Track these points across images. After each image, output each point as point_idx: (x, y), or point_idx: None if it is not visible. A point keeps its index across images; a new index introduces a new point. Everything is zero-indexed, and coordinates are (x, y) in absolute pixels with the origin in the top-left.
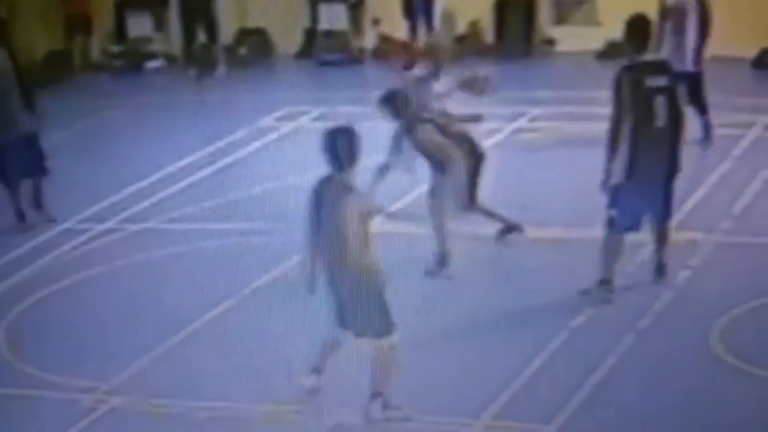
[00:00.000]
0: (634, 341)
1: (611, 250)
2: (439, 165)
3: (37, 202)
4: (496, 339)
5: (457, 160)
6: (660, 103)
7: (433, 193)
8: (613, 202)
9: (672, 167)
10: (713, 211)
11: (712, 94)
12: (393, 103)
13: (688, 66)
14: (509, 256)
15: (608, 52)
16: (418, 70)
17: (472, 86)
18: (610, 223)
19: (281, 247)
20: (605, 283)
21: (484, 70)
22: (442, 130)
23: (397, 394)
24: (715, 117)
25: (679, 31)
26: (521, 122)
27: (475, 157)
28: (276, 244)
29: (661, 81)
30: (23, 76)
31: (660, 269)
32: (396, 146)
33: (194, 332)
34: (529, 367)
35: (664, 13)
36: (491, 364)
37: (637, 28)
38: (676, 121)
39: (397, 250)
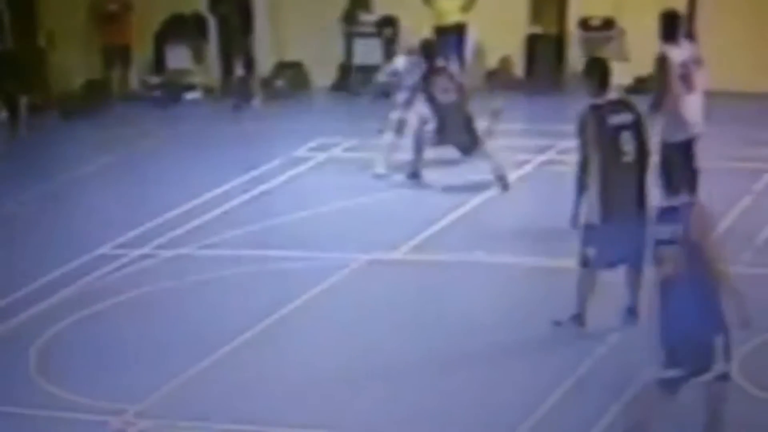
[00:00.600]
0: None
1: (585, 287)
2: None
3: None
4: (519, 366)
5: None
6: (626, 139)
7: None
8: (588, 241)
9: (645, 206)
10: (735, 243)
11: (733, 128)
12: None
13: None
14: (535, 284)
15: (636, 87)
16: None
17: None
18: (584, 262)
19: (311, 273)
20: (578, 317)
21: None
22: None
23: (418, 418)
24: (737, 151)
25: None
26: (550, 154)
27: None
28: (306, 271)
29: (625, 118)
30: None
31: (632, 312)
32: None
33: (224, 356)
34: (553, 395)
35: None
36: (514, 391)
37: (595, 70)
38: (643, 155)
39: (427, 277)
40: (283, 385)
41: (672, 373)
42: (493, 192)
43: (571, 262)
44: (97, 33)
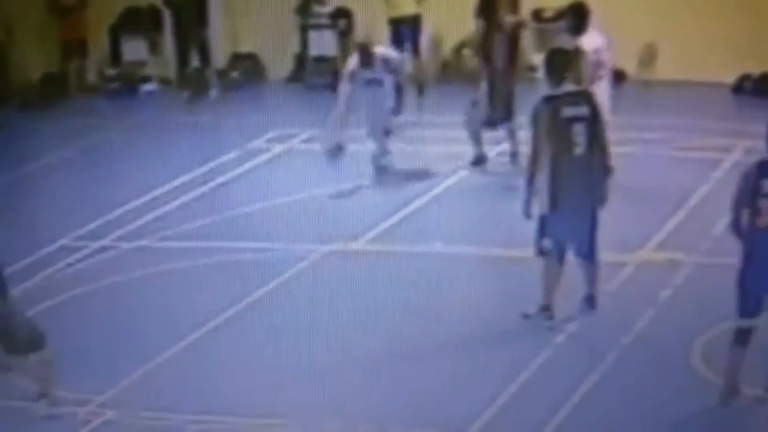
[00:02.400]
0: (617, 358)
1: (549, 278)
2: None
3: None
4: (481, 355)
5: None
6: (578, 131)
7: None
8: (542, 232)
9: (594, 197)
10: (694, 232)
11: (693, 119)
12: None
13: None
14: (495, 272)
15: None
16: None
17: None
18: (541, 252)
19: (271, 264)
20: (545, 309)
21: None
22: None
23: (383, 408)
24: (696, 140)
25: None
26: (505, 145)
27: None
28: (266, 262)
29: (579, 110)
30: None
31: (589, 301)
32: None
33: (186, 347)
34: (513, 384)
35: None
36: (477, 379)
37: (555, 61)
38: (595, 150)
39: (386, 268)
40: (245, 376)
41: (749, 323)
42: (451, 182)
43: (528, 252)
44: (54, 27)
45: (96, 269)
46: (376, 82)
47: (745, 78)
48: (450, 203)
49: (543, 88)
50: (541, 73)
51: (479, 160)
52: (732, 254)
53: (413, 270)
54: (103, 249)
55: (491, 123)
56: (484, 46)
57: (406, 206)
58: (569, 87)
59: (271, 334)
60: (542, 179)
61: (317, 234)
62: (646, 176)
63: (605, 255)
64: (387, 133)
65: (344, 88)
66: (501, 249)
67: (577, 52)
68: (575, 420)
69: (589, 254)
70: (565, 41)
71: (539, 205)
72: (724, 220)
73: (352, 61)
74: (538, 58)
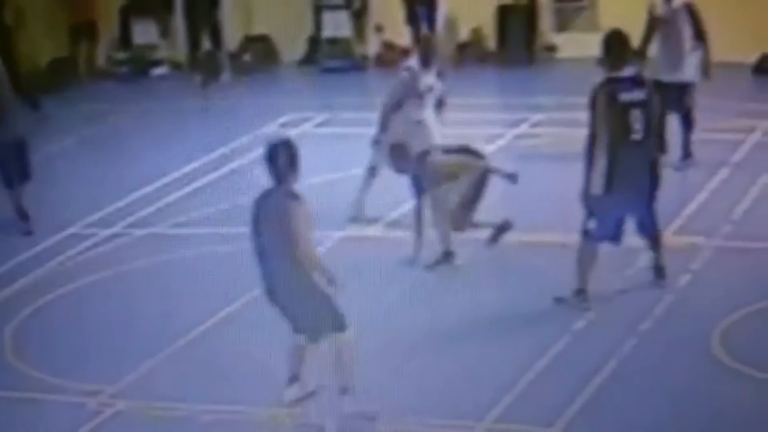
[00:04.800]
0: (635, 344)
1: (586, 260)
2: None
3: (21, 212)
4: (499, 342)
5: (462, 180)
6: (636, 117)
7: (436, 197)
8: (590, 213)
9: (652, 182)
10: (714, 216)
11: (712, 100)
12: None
13: (680, 76)
14: (512, 259)
15: None
16: (410, 60)
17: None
18: (586, 234)
19: None
20: (581, 292)
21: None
22: (449, 149)
23: (400, 397)
24: (715, 122)
25: (670, 41)
26: (523, 128)
27: (480, 179)
28: None
29: (637, 95)
30: (21, 81)
31: (658, 271)
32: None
33: (199, 336)
34: (531, 370)
35: (653, 23)
36: (493, 367)
37: (613, 44)
38: (652, 134)
39: (397, 255)
40: (259, 364)
41: None
42: None
43: (545, 237)
44: (63, 10)
45: (107, 257)
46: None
47: (766, 58)
48: None
49: (561, 69)
50: (560, 53)
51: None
52: (752, 238)
53: (430, 255)
54: (114, 236)
55: None
56: None
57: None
58: (628, 71)
59: (285, 322)
60: (599, 163)
61: (333, 219)
62: (665, 159)
63: (625, 239)
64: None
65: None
66: (518, 234)
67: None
68: (593, 407)
69: (650, 234)
70: (583, 21)
71: (591, 187)
72: (745, 203)
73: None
74: (557, 38)
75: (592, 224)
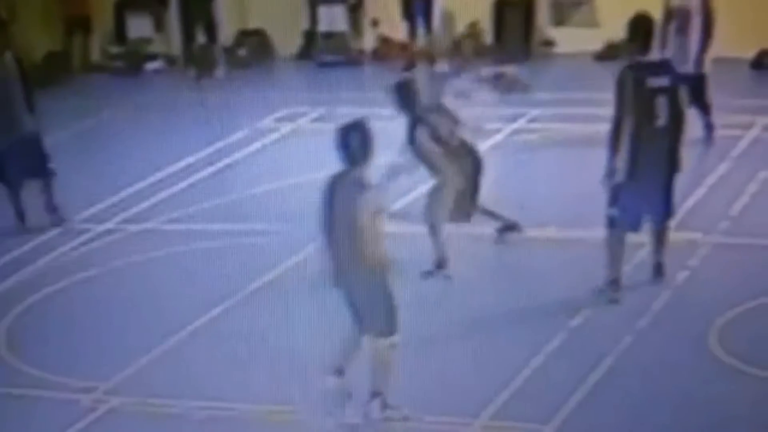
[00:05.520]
0: (633, 341)
1: (614, 250)
2: (432, 172)
3: (49, 205)
4: (495, 339)
5: (451, 175)
6: (661, 103)
7: (430, 196)
8: (613, 201)
9: (672, 166)
10: (712, 212)
11: (712, 95)
12: (402, 93)
13: (692, 67)
14: (508, 256)
15: (607, 54)
16: (441, 66)
17: (499, 82)
18: (611, 222)
19: (280, 247)
20: (614, 282)
21: (512, 69)
22: (439, 138)
23: (396, 394)
24: (714, 117)
25: (683, 32)
26: (521, 123)
27: (474, 168)
28: (275, 245)
29: (662, 81)
30: (26, 78)
31: (658, 268)
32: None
33: (193, 332)
34: (527, 367)
35: (669, 14)
36: (490, 364)
37: (640, 28)
38: (677, 121)
39: (397, 250)
40: (253, 362)
41: None
42: None
43: (544, 233)
44: (57, 4)
45: (101, 252)
46: None
47: (764, 53)
48: None
49: (558, 63)
50: (558, 48)
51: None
52: (750, 234)
53: (425, 251)
54: (108, 232)
55: None
56: None
57: (419, 186)
58: (653, 56)
59: (280, 318)
60: (623, 149)
61: None
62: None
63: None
64: None
65: None
66: (528, 229)
67: None
68: (591, 403)
69: (663, 222)
70: (581, 16)
71: (615, 173)
72: (743, 199)
73: None
74: (555, 33)
75: (615, 212)
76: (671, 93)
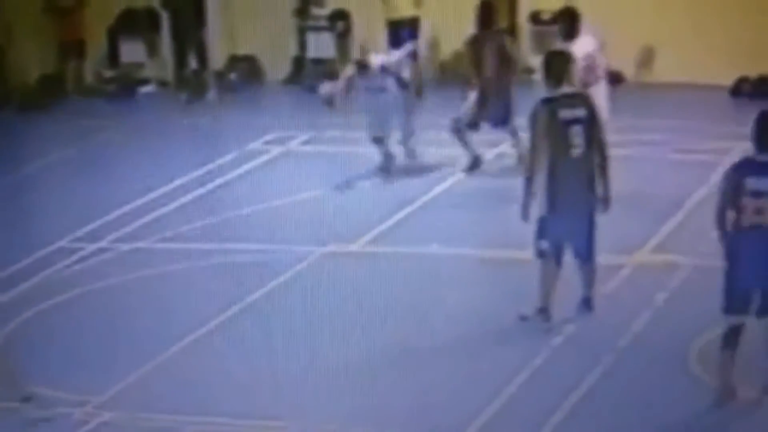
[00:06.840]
0: (614, 361)
1: (546, 280)
2: None
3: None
4: (477, 357)
5: None
6: (576, 133)
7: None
8: (541, 234)
9: (592, 199)
10: (691, 235)
11: (691, 121)
12: None
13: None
14: (491, 275)
15: None
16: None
17: None
18: (541, 254)
19: (269, 267)
20: (543, 311)
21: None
22: None
23: (380, 410)
24: (694, 143)
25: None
26: (502, 147)
27: None
28: (264, 265)
29: (577, 113)
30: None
31: (586, 302)
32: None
33: (184, 348)
34: (510, 386)
35: None
36: (473, 382)
37: (554, 63)
38: (593, 151)
39: (384, 270)
40: (243, 378)
41: (738, 319)
42: (449, 184)
43: (525, 254)
44: (52, 28)
45: (93, 271)
46: (379, 89)
47: (743, 80)
48: (447, 205)
49: (540, 90)
50: (538, 76)
51: (474, 164)
52: None
53: (411, 272)
54: (101, 251)
55: (473, 125)
56: (475, 52)
57: (403, 208)
58: (567, 89)
59: (269, 336)
60: (540, 181)
61: (315, 236)
62: (643, 178)
63: (602, 257)
64: (410, 133)
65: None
66: (498, 251)
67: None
68: (572, 422)
69: (586, 256)
70: (559, 46)
71: (538, 207)
72: None
73: (350, 70)
74: (535, 61)
75: (544, 244)
76: (586, 124)
